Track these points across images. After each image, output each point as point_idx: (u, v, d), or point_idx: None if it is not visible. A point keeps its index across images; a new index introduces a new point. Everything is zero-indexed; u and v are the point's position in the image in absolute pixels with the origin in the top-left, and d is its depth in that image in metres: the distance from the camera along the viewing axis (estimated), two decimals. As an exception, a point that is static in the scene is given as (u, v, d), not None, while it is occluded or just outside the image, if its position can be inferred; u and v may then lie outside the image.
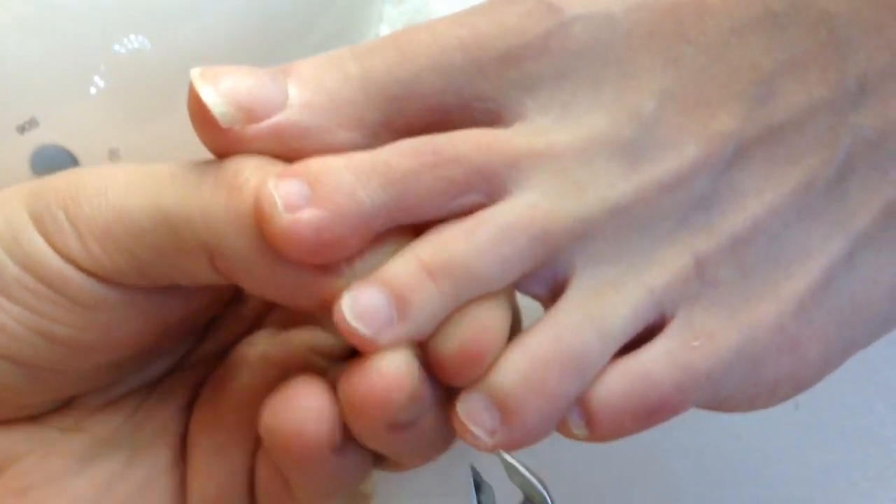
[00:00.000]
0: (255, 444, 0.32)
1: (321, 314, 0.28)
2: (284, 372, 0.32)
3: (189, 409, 0.33)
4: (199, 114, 0.28)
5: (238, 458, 0.32)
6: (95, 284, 0.29)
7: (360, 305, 0.27)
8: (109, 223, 0.28)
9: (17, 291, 0.29)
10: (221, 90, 0.28)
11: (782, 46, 0.29)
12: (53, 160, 0.35)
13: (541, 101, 0.29)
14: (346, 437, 0.29)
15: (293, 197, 0.27)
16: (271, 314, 0.34)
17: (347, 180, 0.27)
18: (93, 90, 0.34)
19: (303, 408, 0.28)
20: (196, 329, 0.34)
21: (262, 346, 0.33)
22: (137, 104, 0.35)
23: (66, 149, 0.35)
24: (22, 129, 0.34)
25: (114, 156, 0.35)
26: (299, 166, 0.28)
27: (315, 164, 0.28)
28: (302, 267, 0.28)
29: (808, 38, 0.29)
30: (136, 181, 0.29)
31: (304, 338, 0.33)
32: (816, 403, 0.38)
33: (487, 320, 0.28)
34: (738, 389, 0.30)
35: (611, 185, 0.29)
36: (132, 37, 0.34)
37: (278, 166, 0.28)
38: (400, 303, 0.27)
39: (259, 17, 0.36)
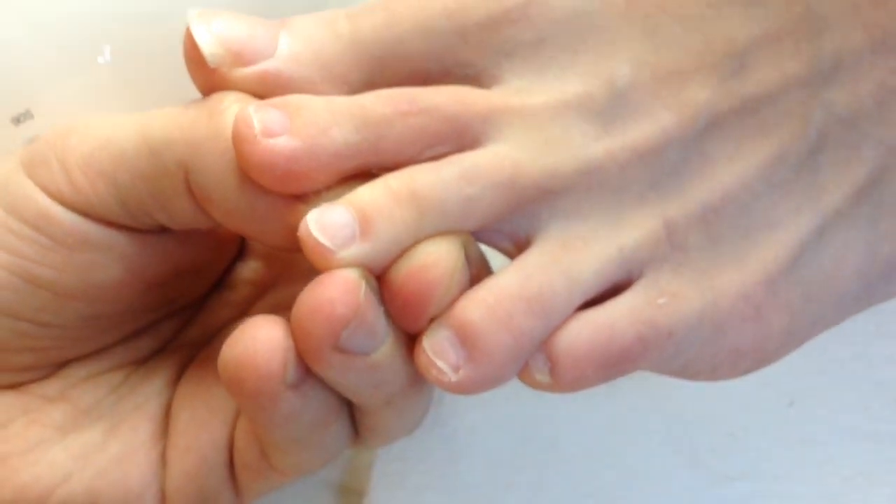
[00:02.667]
0: (235, 416, 0.32)
1: (288, 246, 0.29)
2: None
3: (173, 386, 0.34)
4: (191, 52, 0.30)
5: (217, 431, 0.32)
6: (78, 220, 0.30)
7: (325, 219, 0.28)
8: (94, 150, 0.30)
9: (2, 236, 0.30)
10: (214, 31, 0.30)
11: (758, 20, 0.30)
12: (48, 152, 0.35)
13: (519, 65, 0.30)
14: (304, 375, 0.29)
15: (271, 124, 0.28)
16: (260, 301, 0.35)
17: (324, 117, 0.29)
18: (88, 81, 0.34)
19: (254, 338, 0.29)
20: (183, 310, 0.34)
21: None
22: (134, 96, 0.35)
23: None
24: (17, 121, 0.35)
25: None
26: (280, 98, 0.29)
27: (295, 98, 0.29)
28: (271, 193, 0.29)
29: (783, 14, 0.30)
30: (125, 116, 0.30)
31: None
32: (811, 400, 0.38)
33: (439, 255, 0.29)
34: (700, 354, 0.30)
35: (582, 145, 0.29)
36: (129, 29, 0.34)
37: (257, 101, 0.29)
38: (363, 221, 0.28)
39: (257, 12, 0.36)
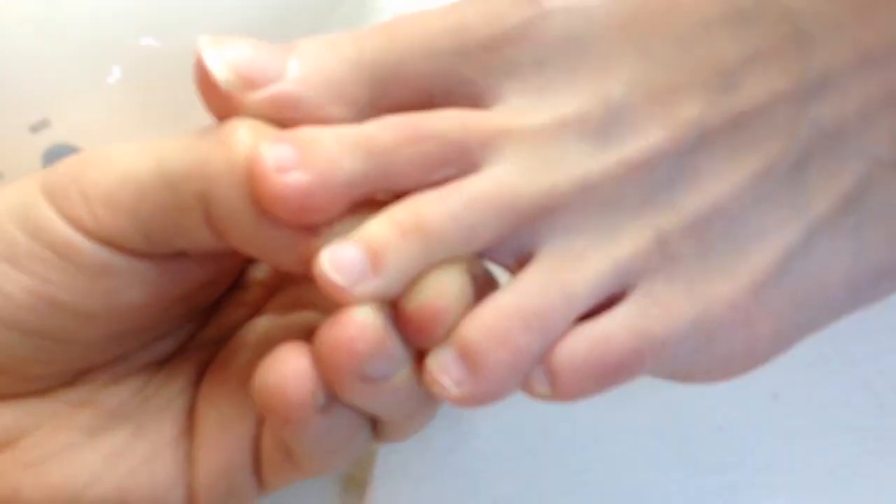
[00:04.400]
0: (260, 417, 0.33)
1: (303, 273, 0.30)
2: None
3: (195, 386, 0.35)
4: (204, 78, 0.30)
5: (243, 431, 0.33)
6: (101, 250, 0.31)
7: (337, 258, 0.29)
8: (114, 185, 0.30)
9: (26, 260, 0.31)
10: (225, 57, 0.30)
11: (747, 40, 0.31)
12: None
13: (519, 86, 0.31)
14: (332, 399, 0.30)
15: (283, 160, 0.29)
16: (272, 301, 0.36)
17: (333, 149, 0.30)
18: (104, 90, 0.35)
19: (285, 368, 0.30)
20: (199, 312, 0.35)
21: (263, 328, 0.35)
22: (149, 104, 0.36)
23: (77, 148, 0.36)
24: (34, 129, 0.35)
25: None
26: (291, 133, 0.30)
27: (305, 132, 0.30)
28: (286, 224, 0.30)
29: (772, 33, 0.31)
30: (142, 148, 0.31)
31: (305, 320, 0.34)
32: (795, 394, 0.39)
33: (446, 284, 0.30)
34: (693, 360, 0.31)
35: (579, 163, 0.30)
36: (144, 37, 0.35)
37: (272, 130, 0.30)
38: (374, 257, 0.29)
39: (268, 18, 0.37)
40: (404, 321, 0.30)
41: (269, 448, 0.33)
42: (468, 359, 0.30)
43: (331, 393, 0.30)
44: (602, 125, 0.31)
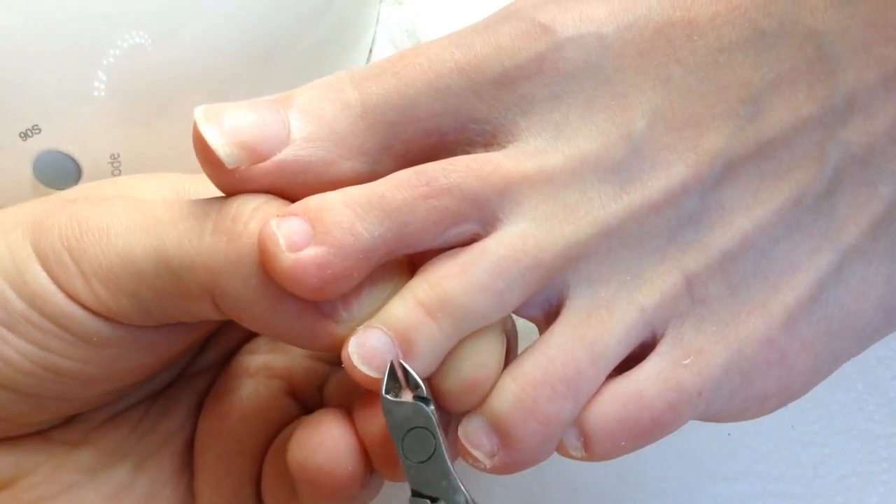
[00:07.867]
0: (262, 452, 0.32)
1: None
2: (288, 381, 0.33)
3: (193, 416, 0.34)
4: (205, 154, 0.28)
5: (246, 467, 0.32)
6: (101, 323, 0.29)
7: (366, 350, 0.28)
8: (113, 267, 0.29)
9: (23, 327, 0.29)
10: (225, 130, 0.28)
11: (770, 64, 0.30)
12: (56, 166, 0.35)
13: (534, 123, 0.30)
14: (372, 472, 0.30)
15: (295, 235, 0.28)
16: None
17: (346, 216, 0.28)
18: (94, 96, 0.34)
19: (334, 446, 0.29)
20: (198, 343, 0.34)
21: (262, 354, 0.33)
22: (138, 109, 0.35)
23: (68, 154, 0.35)
24: (25, 136, 0.34)
25: (115, 161, 0.35)
26: (299, 205, 0.28)
27: (314, 202, 0.28)
28: (302, 312, 0.28)
29: (796, 56, 0.30)
30: (137, 223, 0.29)
31: (304, 351, 0.33)
32: (806, 401, 0.38)
33: (484, 356, 0.29)
34: (728, 403, 0.30)
35: (602, 207, 0.29)
36: (133, 41, 0.34)
37: (276, 205, 0.29)
38: (404, 344, 0.28)
39: (259, 18, 0.36)
40: (441, 396, 0.29)
41: (273, 486, 0.32)
42: (499, 431, 0.29)
43: (372, 467, 0.30)
44: (623, 163, 0.29)
